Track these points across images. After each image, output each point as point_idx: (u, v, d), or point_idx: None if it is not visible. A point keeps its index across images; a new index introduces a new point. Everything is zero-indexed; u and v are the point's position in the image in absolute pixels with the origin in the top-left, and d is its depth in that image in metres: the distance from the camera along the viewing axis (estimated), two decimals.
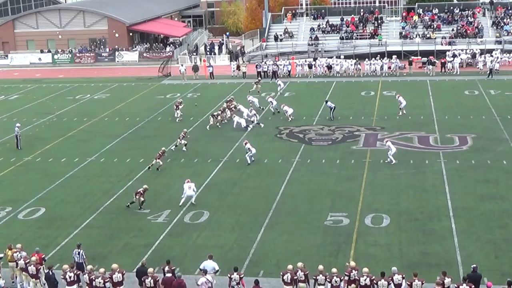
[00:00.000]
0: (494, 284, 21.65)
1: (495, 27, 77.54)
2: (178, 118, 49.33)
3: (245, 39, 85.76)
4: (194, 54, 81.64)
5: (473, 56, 68.57)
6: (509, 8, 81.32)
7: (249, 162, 38.05)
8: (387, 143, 38.64)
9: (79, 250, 24.70)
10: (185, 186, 32.48)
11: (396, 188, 33.68)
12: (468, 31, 76.28)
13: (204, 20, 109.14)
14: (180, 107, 50.22)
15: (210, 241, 28.08)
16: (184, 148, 41.26)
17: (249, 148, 38.31)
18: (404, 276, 21.94)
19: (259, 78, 62.13)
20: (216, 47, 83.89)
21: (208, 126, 46.76)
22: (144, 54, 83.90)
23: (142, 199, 31.99)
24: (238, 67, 68.70)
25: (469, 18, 79.59)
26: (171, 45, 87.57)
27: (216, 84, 65.12)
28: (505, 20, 78.11)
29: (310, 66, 66.62)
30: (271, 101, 51.00)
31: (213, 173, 37.24)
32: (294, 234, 28.64)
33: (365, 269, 22.20)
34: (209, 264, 23.50)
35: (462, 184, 34.08)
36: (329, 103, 48.48)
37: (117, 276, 22.69)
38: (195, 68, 69.02)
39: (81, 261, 24.36)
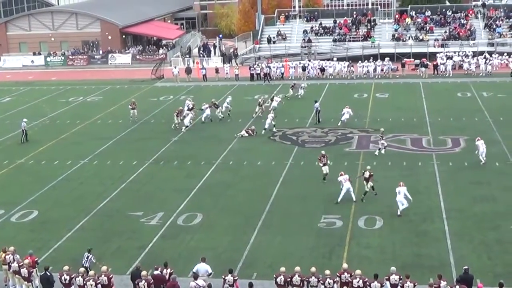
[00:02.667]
0: (487, 286, 21.70)
1: (487, 29, 77.77)
2: (175, 125, 48.23)
3: (238, 41, 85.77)
4: (187, 56, 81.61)
5: (466, 57, 68.67)
6: (501, 10, 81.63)
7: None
8: (477, 141, 37.60)
9: (88, 254, 24.59)
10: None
11: (389, 190, 33.65)
12: (461, 33, 76.49)
13: (197, 23, 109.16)
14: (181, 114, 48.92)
15: (204, 244, 28.07)
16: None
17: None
18: (401, 277, 21.98)
19: (294, 83, 59.54)
20: (212, 49, 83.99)
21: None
22: (137, 57, 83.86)
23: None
24: (217, 70, 68.48)
25: (461, 20, 79.82)
26: (164, 47, 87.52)
27: (209, 86, 65.13)
28: (497, 22, 78.35)
29: (304, 68, 66.66)
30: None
31: (206, 175, 37.23)
32: (287, 236, 28.65)
33: (358, 271, 22.22)
34: (202, 267, 23.52)
35: (455, 185, 34.17)
36: (316, 104, 48.40)
37: (102, 279, 22.61)
38: (188, 71, 69.03)
39: (87, 265, 24.24)
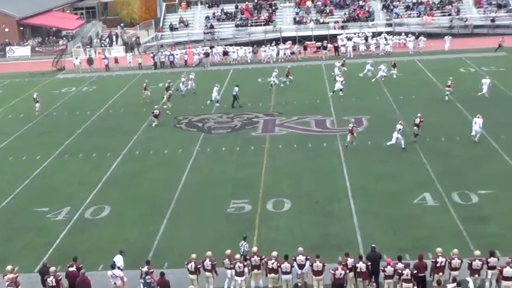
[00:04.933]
0: (394, 260, 22.30)
1: (385, 10, 79.55)
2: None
3: (140, 29, 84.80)
4: (89, 46, 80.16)
5: (366, 39, 70.12)
6: None
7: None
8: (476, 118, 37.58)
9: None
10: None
11: (295, 172, 34.21)
12: (360, 15, 77.98)
13: (97, 12, 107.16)
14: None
15: (113, 236, 27.76)
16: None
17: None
18: (308, 257, 22.35)
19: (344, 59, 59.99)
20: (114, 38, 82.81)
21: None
22: (37, 49, 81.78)
23: None
24: (116, 60, 67.50)
25: (360, 2, 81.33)
26: (64, 38, 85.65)
27: (112, 76, 64.25)
28: (394, 3, 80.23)
29: (207, 54, 66.56)
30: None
31: (112, 166, 36.78)
32: (197, 223, 28.69)
33: (274, 253, 22.48)
34: (118, 259, 23.26)
35: (360, 164, 34.93)
36: (236, 89, 48.48)
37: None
38: (90, 61, 67.84)
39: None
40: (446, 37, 68.24)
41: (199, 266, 22.48)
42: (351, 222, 27.92)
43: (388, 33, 72.02)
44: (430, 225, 27.17)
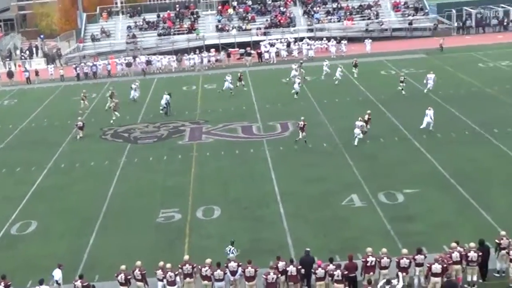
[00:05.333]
0: (325, 262, 22.56)
1: (306, 16, 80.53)
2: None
3: (60, 41, 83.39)
4: (8, 59, 78.38)
5: (288, 44, 70.81)
6: None
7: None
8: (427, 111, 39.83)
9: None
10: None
11: (224, 179, 34.29)
12: (282, 21, 78.70)
13: (16, 24, 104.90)
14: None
15: (41, 251, 27.21)
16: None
17: None
18: (240, 263, 22.42)
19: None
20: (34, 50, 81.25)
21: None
22: None
23: None
24: (36, 73, 66.02)
25: (281, 8, 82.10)
26: None
27: (34, 89, 63.01)
28: (315, 8, 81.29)
29: (129, 65, 66.06)
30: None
31: (38, 180, 36.08)
32: (126, 234, 28.41)
33: (208, 260, 22.45)
34: (57, 273, 22.82)
35: (287, 169, 35.23)
36: (167, 97, 48.29)
37: None
38: (10, 74, 66.36)
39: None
40: (366, 41, 69.58)
41: (129, 277, 22.28)
42: (281, 226, 28.13)
43: (309, 38, 73.00)
44: (358, 226, 27.62)
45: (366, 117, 39.36)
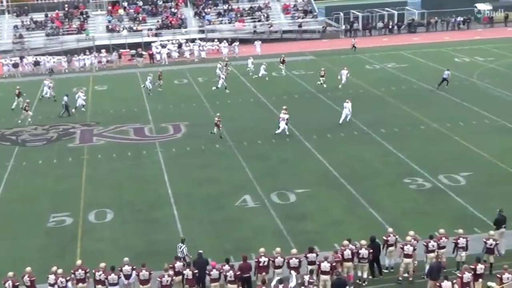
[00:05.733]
0: (219, 263, 22.69)
1: (197, 17, 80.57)
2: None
3: None
4: None
5: (180, 45, 70.62)
6: None
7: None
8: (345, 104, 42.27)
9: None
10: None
11: (116, 182, 33.92)
12: (173, 22, 78.45)
13: None
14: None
15: None
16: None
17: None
18: (134, 267, 22.25)
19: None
20: None
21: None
22: None
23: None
24: None
25: (172, 9, 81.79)
26: None
27: None
28: (206, 10, 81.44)
29: (15, 65, 64.23)
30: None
31: None
32: (16, 240, 27.67)
33: (102, 264, 22.17)
34: None
35: (180, 171, 35.21)
36: (65, 98, 47.26)
37: None
38: None
39: None
40: (256, 42, 70.24)
41: (17, 283, 21.69)
42: (175, 229, 28.10)
43: (201, 39, 73.12)
44: (252, 226, 27.94)
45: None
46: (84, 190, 32.92)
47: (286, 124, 40.21)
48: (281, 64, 58.94)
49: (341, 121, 41.78)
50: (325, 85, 51.47)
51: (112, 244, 26.80)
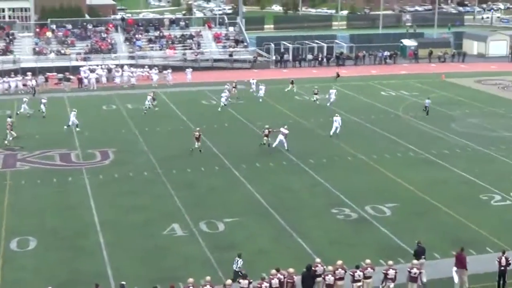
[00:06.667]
0: None
1: (128, 43, 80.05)
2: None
3: None
4: None
5: (109, 71, 69.91)
6: (139, 24, 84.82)
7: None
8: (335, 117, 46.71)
9: None
10: None
11: (40, 209, 33.08)
12: (102, 47, 77.72)
13: None
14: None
15: None
16: None
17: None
18: None
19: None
20: None
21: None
22: None
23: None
24: None
25: (102, 34, 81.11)
26: None
27: None
28: (137, 36, 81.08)
29: None
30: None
31: None
32: None
33: None
34: None
35: (107, 198, 34.63)
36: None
37: None
38: None
39: None
40: (187, 70, 70.16)
41: None
42: (101, 256, 27.52)
43: (131, 65, 72.57)
44: (180, 255, 27.61)
45: (266, 131, 42.88)
46: (6, 217, 31.95)
47: (285, 138, 42.59)
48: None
49: (331, 133, 46.04)
50: (318, 102, 56.32)
51: (35, 273, 26.03)
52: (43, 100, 53.67)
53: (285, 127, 43.38)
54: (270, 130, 42.89)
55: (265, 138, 42.74)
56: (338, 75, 70.15)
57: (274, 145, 42.42)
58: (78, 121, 48.61)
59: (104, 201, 34.15)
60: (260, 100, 58.77)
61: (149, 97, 54.63)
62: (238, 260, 24.92)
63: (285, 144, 42.41)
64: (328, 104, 55.25)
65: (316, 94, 57.24)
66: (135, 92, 62.87)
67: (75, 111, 49.33)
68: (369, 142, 45.22)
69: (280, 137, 42.48)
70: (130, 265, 26.66)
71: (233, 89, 60.68)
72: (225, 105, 55.88)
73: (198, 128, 43.58)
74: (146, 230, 30.19)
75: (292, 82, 63.38)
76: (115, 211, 32.70)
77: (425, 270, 24.92)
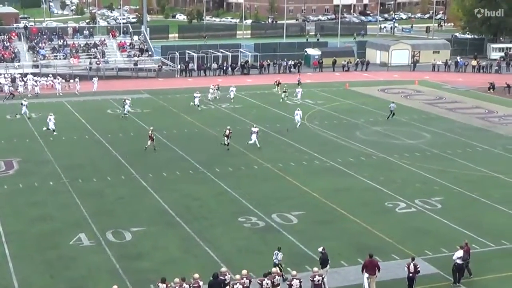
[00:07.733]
0: None
1: (31, 52, 78.76)
2: None
3: None
4: None
5: (13, 80, 68.52)
6: (43, 33, 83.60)
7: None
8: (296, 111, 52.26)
9: None
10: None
11: None
12: (5, 56, 76.20)
13: None
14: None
15: None
16: None
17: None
18: None
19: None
20: None
21: None
22: None
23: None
24: None
25: (5, 42, 79.53)
26: None
27: None
28: (40, 44, 79.85)
29: None
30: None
31: None
32: None
33: None
34: None
35: (12, 208, 34.21)
36: None
37: None
38: None
39: None
40: (94, 79, 69.48)
41: None
42: (7, 268, 27.25)
43: (34, 74, 71.37)
44: (87, 265, 27.60)
45: (227, 132, 45.39)
46: None
47: (257, 137, 45.86)
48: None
49: (298, 126, 51.48)
50: (287, 101, 61.52)
51: None
52: None
53: (254, 125, 47.40)
54: (230, 131, 45.55)
55: (225, 138, 45.36)
56: (299, 83, 70.96)
57: (249, 143, 46.00)
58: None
59: (9, 211, 33.72)
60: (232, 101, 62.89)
61: (128, 101, 56.98)
62: (278, 253, 26.02)
63: (257, 142, 45.80)
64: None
65: (285, 92, 63.66)
66: (39, 101, 61.91)
67: (51, 114, 48.77)
68: (275, 150, 46.07)
69: (253, 136, 45.69)
70: (37, 276, 26.52)
71: (216, 91, 64.67)
72: (198, 105, 59.50)
73: (151, 128, 45.84)
74: (52, 241, 30.02)
75: (278, 84, 68.51)
76: (21, 221, 32.35)
77: (332, 277, 25.68)
